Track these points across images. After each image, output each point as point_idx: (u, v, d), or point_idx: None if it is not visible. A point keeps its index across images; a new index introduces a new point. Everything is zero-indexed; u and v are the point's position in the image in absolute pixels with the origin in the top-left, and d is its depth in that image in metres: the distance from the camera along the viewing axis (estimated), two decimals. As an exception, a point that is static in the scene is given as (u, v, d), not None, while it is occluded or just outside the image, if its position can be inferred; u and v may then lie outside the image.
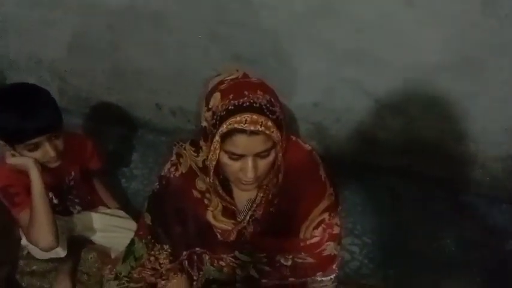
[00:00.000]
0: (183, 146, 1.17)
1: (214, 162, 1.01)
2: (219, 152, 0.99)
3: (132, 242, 1.38)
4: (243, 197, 1.15)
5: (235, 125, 0.93)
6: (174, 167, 1.17)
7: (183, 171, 1.15)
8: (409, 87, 1.87)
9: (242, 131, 0.94)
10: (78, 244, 1.70)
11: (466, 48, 1.70)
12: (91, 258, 1.76)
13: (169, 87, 2.16)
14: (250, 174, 0.98)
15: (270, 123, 0.95)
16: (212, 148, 0.99)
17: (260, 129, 0.93)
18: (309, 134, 2.10)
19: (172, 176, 1.16)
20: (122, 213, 1.74)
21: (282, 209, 1.14)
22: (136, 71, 2.15)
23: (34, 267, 1.72)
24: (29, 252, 1.65)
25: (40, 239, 1.32)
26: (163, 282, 1.26)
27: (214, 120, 0.97)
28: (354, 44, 1.78)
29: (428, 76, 1.81)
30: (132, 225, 1.68)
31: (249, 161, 0.98)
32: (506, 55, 1.68)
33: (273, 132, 0.95)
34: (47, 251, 1.36)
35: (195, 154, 1.14)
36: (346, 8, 1.69)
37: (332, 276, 1.25)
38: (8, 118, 1.27)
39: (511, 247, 1.90)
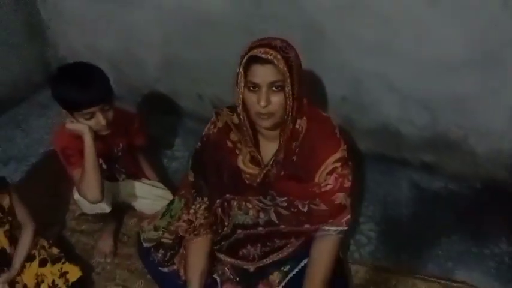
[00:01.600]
0: (222, 108, 1.43)
1: (241, 96, 1.25)
2: (244, 86, 1.23)
3: (172, 201, 1.59)
4: (268, 150, 1.36)
5: (252, 53, 1.19)
6: (213, 125, 1.42)
7: (220, 126, 1.39)
8: (433, 83, 1.96)
9: (257, 59, 1.19)
10: (121, 210, 1.94)
11: (488, 44, 1.77)
12: (132, 223, 1.97)
13: (210, 79, 2.37)
14: (263, 102, 1.21)
15: (279, 57, 1.18)
16: (238, 84, 1.24)
17: (270, 57, 1.17)
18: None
19: (211, 132, 1.41)
20: (161, 185, 1.95)
21: (301, 157, 1.34)
22: (181, 63, 2.37)
23: (83, 227, 1.95)
24: (80, 214, 1.89)
25: (88, 192, 1.56)
26: (193, 237, 1.45)
27: (241, 59, 1.23)
28: (379, 38, 1.90)
29: (451, 72, 1.89)
30: (170, 196, 1.89)
31: (263, 90, 1.21)
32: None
33: (281, 65, 1.18)
34: (93, 203, 1.59)
35: (231, 113, 1.39)
36: (372, 3, 1.82)
37: (339, 229, 1.40)
38: (68, 90, 1.50)
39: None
